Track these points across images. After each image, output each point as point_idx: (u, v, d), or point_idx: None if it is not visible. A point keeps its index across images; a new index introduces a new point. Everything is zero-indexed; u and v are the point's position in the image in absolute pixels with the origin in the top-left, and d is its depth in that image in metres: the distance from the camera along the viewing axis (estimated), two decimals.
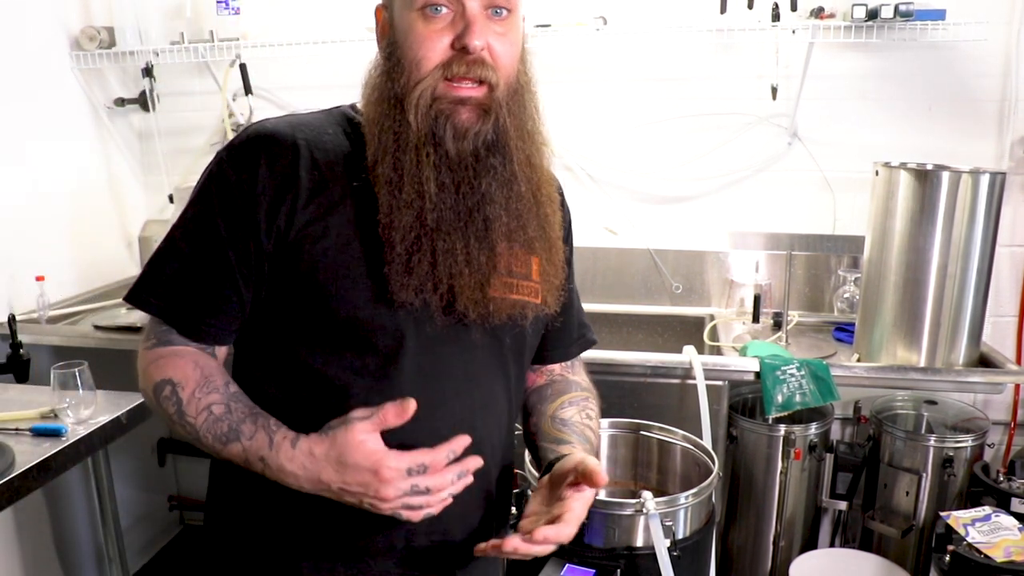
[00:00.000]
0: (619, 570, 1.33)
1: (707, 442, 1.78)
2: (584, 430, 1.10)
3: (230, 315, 0.96)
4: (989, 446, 2.28)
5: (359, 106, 0.99)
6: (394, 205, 0.91)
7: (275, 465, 0.89)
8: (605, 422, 1.64)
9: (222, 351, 1.00)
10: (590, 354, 1.97)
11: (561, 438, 1.07)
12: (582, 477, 0.93)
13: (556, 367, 1.20)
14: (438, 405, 0.96)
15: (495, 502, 1.08)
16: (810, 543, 2.24)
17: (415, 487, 0.87)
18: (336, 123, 0.99)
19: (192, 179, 2.90)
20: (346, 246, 0.92)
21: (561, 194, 1.11)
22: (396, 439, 0.89)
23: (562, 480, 0.96)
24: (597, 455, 1.07)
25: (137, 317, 2.24)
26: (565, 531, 0.91)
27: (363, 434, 0.86)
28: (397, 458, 0.86)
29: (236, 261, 0.93)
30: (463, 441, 0.91)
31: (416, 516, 0.89)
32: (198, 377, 0.93)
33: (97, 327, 2.17)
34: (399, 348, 0.94)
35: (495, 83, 0.91)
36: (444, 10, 0.89)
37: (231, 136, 2.55)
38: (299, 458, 0.88)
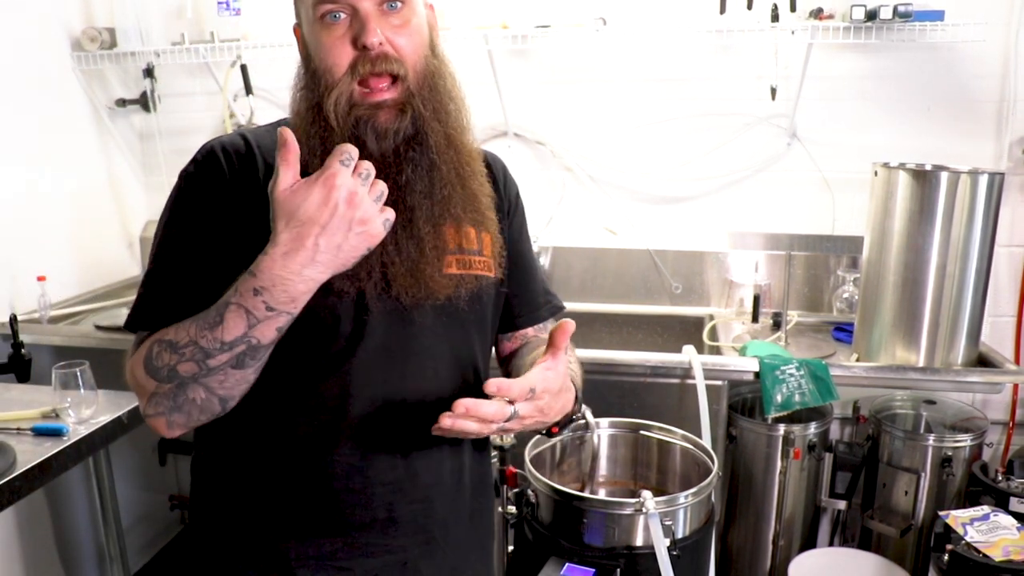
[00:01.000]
0: (619, 569, 1.34)
1: (707, 442, 1.78)
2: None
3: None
4: (988, 445, 2.28)
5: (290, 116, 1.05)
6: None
7: (271, 284, 0.86)
8: (605, 422, 1.64)
9: None
10: (590, 354, 1.99)
11: None
12: (551, 341, 0.94)
13: (529, 330, 1.23)
14: (396, 381, 1.01)
15: (472, 472, 1.12)
16: (809, 542, 2.24)
17: (364, 173, 0.86)
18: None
19: None
20: None
21: (496, 167, 1.16)
22: (356, 415, 0.98)
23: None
24: (578, 391, 1.07)
25: None
26: (514, 387, 0.88)
27: (286, 183, 0.86)
28: (327, 170, 0.86)
29: (218, 254, 0.95)
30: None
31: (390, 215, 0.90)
32: (173, 327, 0.93)
33: (98, 327, 2.17)
34: (346, 334, 0.98)
35: (404, 75, 0.94)
36: (341, 15, 0.93)
37: None
38: (277, 258, 0.85)
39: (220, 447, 1.06)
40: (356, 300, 0.97)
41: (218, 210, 0.96)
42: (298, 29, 1.02)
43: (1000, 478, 1.98)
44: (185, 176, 1.01)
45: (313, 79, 0.97)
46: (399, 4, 0.94)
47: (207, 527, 1.08)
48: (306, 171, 0.91)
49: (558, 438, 1.47)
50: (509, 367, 1.21)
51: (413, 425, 1.00)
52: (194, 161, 1.01)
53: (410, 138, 0.96)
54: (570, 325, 0.93)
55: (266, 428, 1.01)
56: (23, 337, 1.90)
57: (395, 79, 0.94)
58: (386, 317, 0.99)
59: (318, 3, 0.94)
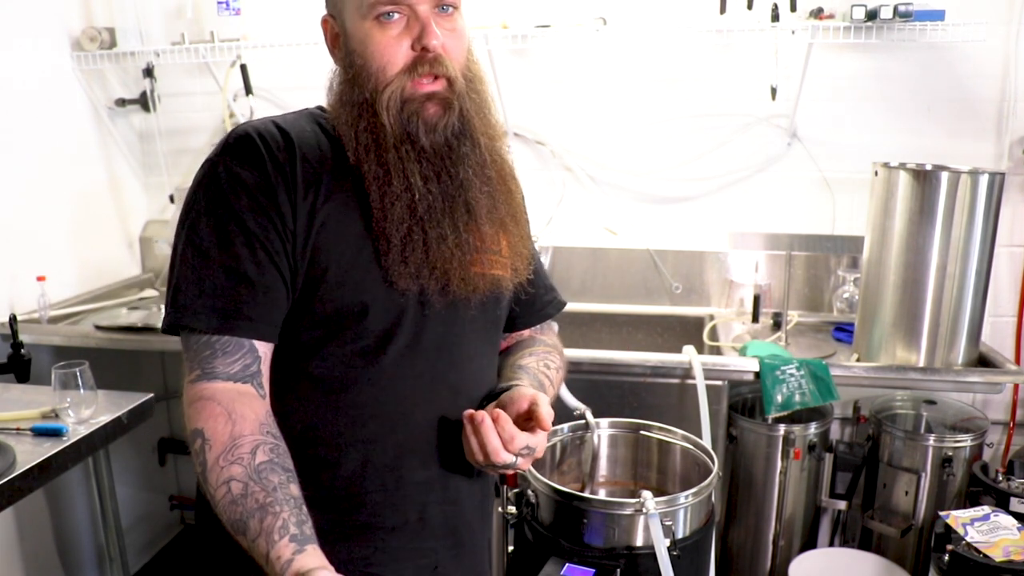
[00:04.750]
0: (619, 570, 1.34)
1: (707, 442, 1.78)
2: (538, 374, 1.15)
3: (283, 307, 0.96)
4: (988, 446, 2.28)
5: (328, 109, 1.04)
6: (385, 199, 0.96)
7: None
8: (605, 422, 1.64)
9: (268, 352, 0.98)
10: (590, 354, 1.99)
11: (513, 378, 1.11)
12: (534, 417, 0.97)
13: (526, 332, 1.25)
14: (438, 381, 1.02)
15: (487, 473, 1.13)
16: (809, 543, 2.24)
17: None
18: (311, 122, 1.02)
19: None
20: (341, 235, 0.96)
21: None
22: (399, 414, 0.98)
23: (510, 406, 1.00)
24: (552, 401, 1.10)
25: (137, 317, 2.25)
26: (531, 440, 0.96)
27: None
28: None
29: (277, 251, 0.94)
30: None
31: None
32: (226, 438, 0.89)
33: (98, 327, 2.17)
34: (397, 330, 0.98)
35: (453, 76, 0.97)
36: (396, 15, 0.94)
37: None
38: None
39: None
40: (412, 298, 0.98)
41: (263, 195, 0.94)
42: (329, 21, 1.01)
43: (1000, 478, 1.98)
44: (220, 164, 0.96)
45: (361, 75, 0.97)
46: (451, 8, 0.97)
47: (222, 531, 1.04)
48: (357, 168, 0.97)
49: (558, 438, 1.47)
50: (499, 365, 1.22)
51: (447, 424, 1.02)
52: (229, 147, 0.97)
53: (458, 133, 0.98)
54: (546, 426, 0.96)
55: (298, 426, 0.99)
56: (23, 337, 1.89)
57: (443, 79, 0.96)
58: (440, 315, 1.01)
59: (376, 2, 0.94)
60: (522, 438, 0.95)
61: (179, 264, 0.95)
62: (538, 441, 0.97)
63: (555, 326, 1.33)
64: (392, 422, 1.00)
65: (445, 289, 0.99)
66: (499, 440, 0.94)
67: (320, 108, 1.07)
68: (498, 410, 0.96)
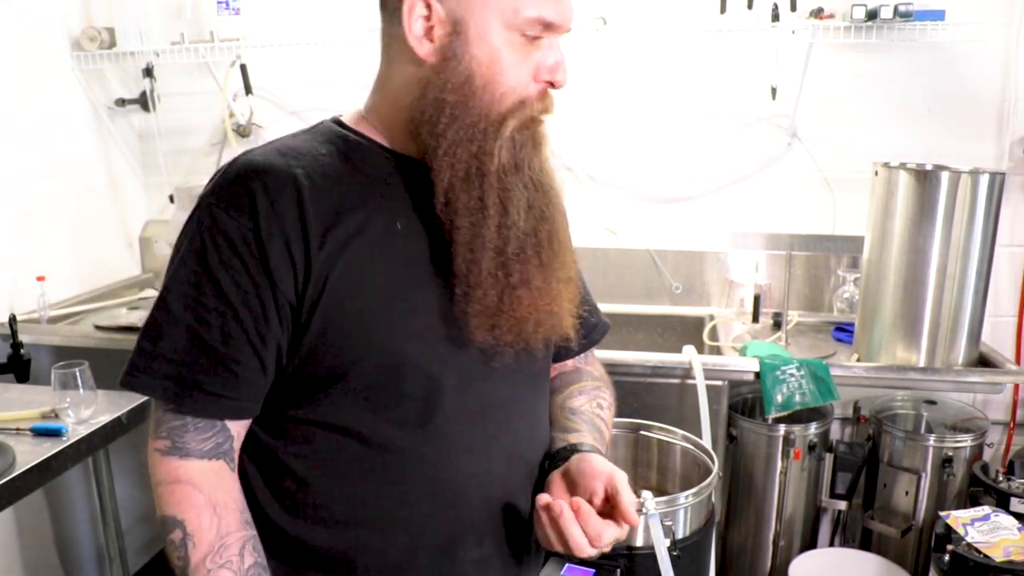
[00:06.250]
0: (619, 570, 1.34)
1: (707, 442, 1.78)
2: (594, 419, 1.06)
3: (254, 384, 0.85)
4: (988, 446, 2.28)
5: (354, 117, 0.93)
6: (476, 235, 0.84)
7: None
8: None
9: (242, 430, 0.90)
10: None
11: (570, 427, 1.02)
12: (617, 507, 0.86)
13: (570, 362, 1.16)
14: (493, 445, 0.91)
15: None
16: (810, 543, 2.24)
17: None
18: (326, 142, 0.89)
19: (193, 180, 2.89)
20: (376, 282, 0.84)
21: None
22: (449, 476, 0.87)
23: (582, 481, 0.89)
24: (608, 444, 1.04)
25: (137, 317, 2.24)
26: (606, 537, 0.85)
27: None
28: None
29: (252, 319, 0.82)
30: None
31: None
32: (213, 536, 0.82)
33: (98, 327, 2.17)
34: (449, 390, 0.87)
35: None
36: (544, 40, 0.84)
37: (231, 136, 2.58)
38: None
39: (292, 497, 0.90)
40: (480, 349, 0.88)
41: (251, 252, 0.82)
42: (434, 6, 0.83)
43: (1001, 478, 1.98)
44: (208, 208, 0.83)
45: (479, 90, 0.83)
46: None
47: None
48: (445, 199, 0.84)
49: None
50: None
51: (504, 493, 0.92)
52: (221, 188, 0.84)
53: (539, 167, 0.89)
54: (633, 521, 0.85)
55: (336, 508, 0.88)
56: (22, 337, 1.89)
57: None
58: (498, 369, 0.90)
59: (539, 22, 0.83)
60: (609, 533, 0.84)
61: (152, 307, 0.86)
62: (623, 533, 0.87)
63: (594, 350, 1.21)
64: (444, 498, 0.88)
65: (518, 338, 0.88)
66: (583, 535, 0.83)
67: (337, 121, 0.93)
68: (578, 500, 0.84)
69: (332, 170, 0.86)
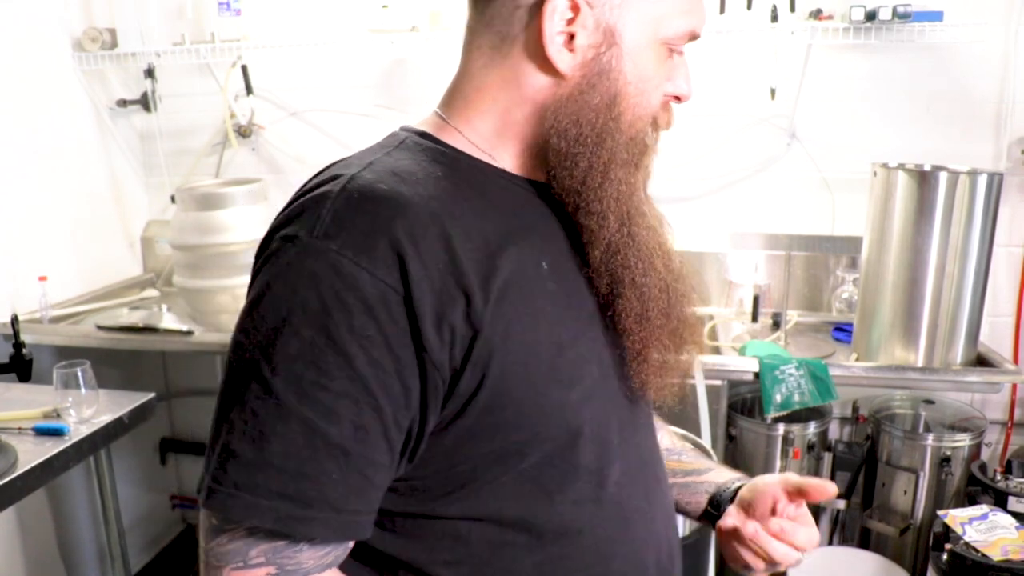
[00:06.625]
0: None
1: (706, 441, 1.79)
2: (689, 448, 1.01)
3: (383, 489, 0.67)
4: (986, 445, 2.28)
5: (442, 130, 0.75)
6: (643, 285, 0.73)
7: None
8: None
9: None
10: None
11: (689, 467, 0.96)
12: (804, 492, 0.82)
13: None
14: (651, 494, 0.82)
15: None
16: None
17: None
18: (432, 162, 0.71)
19: (194, 180, 2.88)
20: (538, 340, 0.68)
21: None
22: (628, 548, 0.77)
23: (759, 500, 0.85)
24: None
25: (139, 317, 2.25)
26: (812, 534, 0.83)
27: None
28: None
29: (392, 407, 0.63)
30: None
31: None
32: None
33: (99, 327, 2.17)
34: (616, 452, 0.76)
35: None
36: (678, 54, 0.75)
37: (232, 137, 2.59)
38: None
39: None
40: (639, 400, 0.81)
41: (397, 320, 0.62)
42: (581, 7, 0.68)
43: (999, 478, 1.99)
44: (329, 260, 0.61)
45: (618, 104, 0.71)
46: None
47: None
48: (628, 212, 0.74)
49: None
50: None
51: (670, 542, 0.85)
52: (343, 230, 0.62)
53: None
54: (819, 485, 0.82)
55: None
56: (24, 337, 1.90)
57: None
58: (646, 420, 0.85)
59: (689, 35, 0.75)
60: (814, 533, 0.83)
61: (232, 406, 0.62)
62: (815, 533, 0.84)
63: None
64: (623, 571, 0.77)
65: (679, 388, 0.81)
66: (783, 546, 0.82)
67: (423, 134, 0.75)
68: (780, 521, 0.82)
69: (462, 200, 0.69)
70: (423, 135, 0.74)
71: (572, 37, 0.69)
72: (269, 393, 0.61)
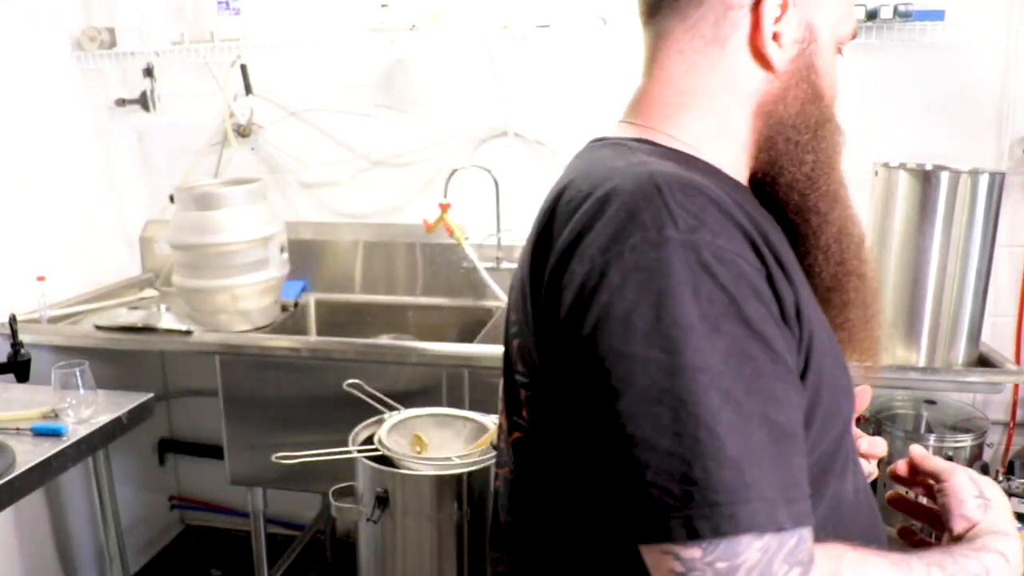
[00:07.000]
0: None
1: None
2: None
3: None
4: (988, 446, 2.28)
5: (660, 137, 0.75)
6: (861, 288, 0.79)
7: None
8: None
9: None
10: None
11: None
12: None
13: None
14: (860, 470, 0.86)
15: None
16: None
17: None
18: (687, 168, 0.70)
19: (193, 179, 2.88)
20: (823, 330, 0.70)
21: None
22: (876, 521, 0.82)
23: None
24: None
25: (137, 317, 2.24)
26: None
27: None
28: None
29: (798, 387, 0.64)
30: None
31: None
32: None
33: (98, 327, 2.17)
34: (850, 436, 0.78)
35: None
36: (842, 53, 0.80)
37: (231, 136, 2.58)
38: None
39: None
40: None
41: (770, 301, 0.62)
42: (788, 9, 0.72)
43: (1001, 478, 1.98)
44: (697, 243, 0.59)
45: (828, 105, 0.82)
46: None
47: None
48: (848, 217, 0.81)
49: None
50: None
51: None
52: (687, 210, 0.61)
53: None
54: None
55: None
56: (23, 337, 1.89)
57: None
58: None
59: (852, 36, 0.79)
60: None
61: (682, 415, 0.56)
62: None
63: None
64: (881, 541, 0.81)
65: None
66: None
67: (645, 141, 0.75)
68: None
69: (746, 203, 0.72)
70: (642, 141, 0.74)
71: (778, 35, 0.72)
72: (723, 400, 0.56)
